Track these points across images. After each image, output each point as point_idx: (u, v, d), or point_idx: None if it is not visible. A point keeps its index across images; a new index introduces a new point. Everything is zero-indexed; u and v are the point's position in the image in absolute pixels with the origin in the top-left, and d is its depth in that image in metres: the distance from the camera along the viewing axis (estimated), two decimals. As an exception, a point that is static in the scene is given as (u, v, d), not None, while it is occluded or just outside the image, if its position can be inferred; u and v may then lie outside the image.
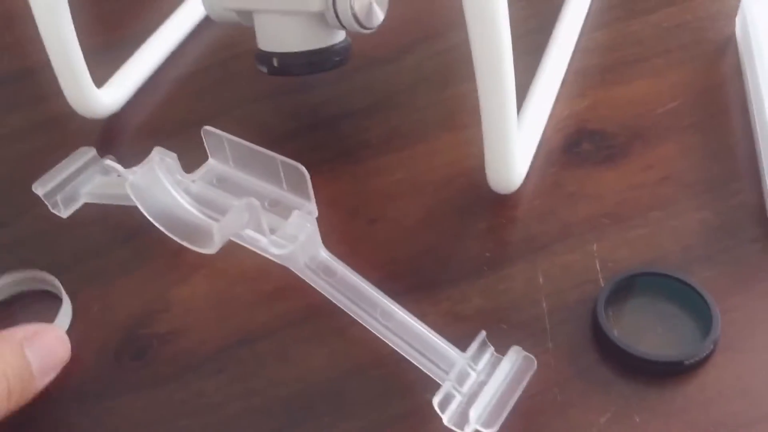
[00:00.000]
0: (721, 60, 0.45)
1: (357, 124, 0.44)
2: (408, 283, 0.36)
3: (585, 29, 0.48)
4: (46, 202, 0.37)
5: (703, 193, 0.38)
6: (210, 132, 0.35)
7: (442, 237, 0.38)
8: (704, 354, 0.31)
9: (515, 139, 0.36)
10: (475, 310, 0.35)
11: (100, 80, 0.45)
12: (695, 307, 0.33)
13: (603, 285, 0.34)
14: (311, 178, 0.42)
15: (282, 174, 0.33)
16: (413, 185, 0.40)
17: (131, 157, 0.43)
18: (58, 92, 0.43)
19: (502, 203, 0.39)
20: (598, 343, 0.33)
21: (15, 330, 0.32)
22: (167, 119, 0.46)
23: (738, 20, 0.45)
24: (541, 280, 0.35)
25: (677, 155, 0.40)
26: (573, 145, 0.41)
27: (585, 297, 0.34)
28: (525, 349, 0.33)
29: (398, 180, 0.41)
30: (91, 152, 0.38)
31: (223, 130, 0.45)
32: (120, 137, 0.46)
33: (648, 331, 0.33)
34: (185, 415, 0.32)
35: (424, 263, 0.37)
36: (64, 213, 0.38)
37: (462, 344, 0.33)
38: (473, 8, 0.32)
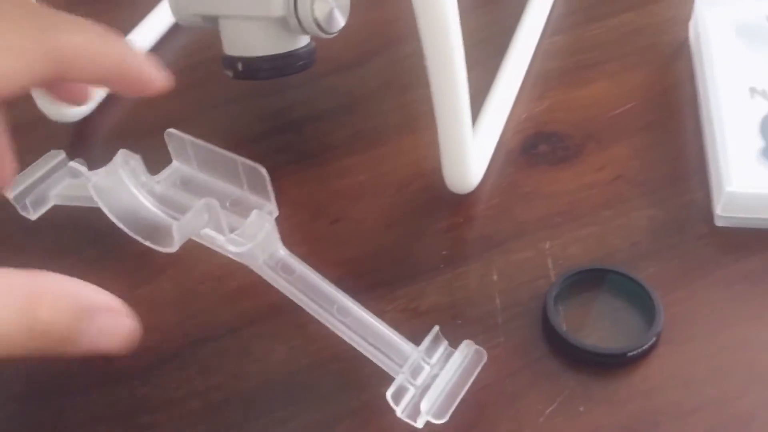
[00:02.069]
0: (674, 63, 0.46)
1: (322, 126, 0.45)
2: (368, 281, 0.37)
3: (545, 33, 0.49)
4: (15, 205, 0.38)
5: (653, 192, 0.39)
6: (173, 135, 0.35)
7: (401, 236, 0.39)
8: (646, 346, 0.32)
9: (470, 142, 0.37)
10: (431, 306, 0.36)
11: (70, 85, 0.46)
12: (640, 301, 0.34)
13: (553, 281, 0.35)
14: (277, 180, 0.43)
15: (242, 175, 0.34)
16: (375, 186, 0.42)
17: (102, 160, 0.45)
18: (27, 96, 0.44)
19: (460, 203, 0.40)
20: (548, 337, 0.34)
21: None
22: (138, 122, 0.47)
23: (691, 25, 0.47)
24: (495, 276, 0.37)
25: (629, 156, 0.41)
26: (530, 146, 0.43)
27: (537, 293, 0.35)
28: (477, 343, 0.34)
29: (361, 181, 0.42)
30: (61, 155, 0.39)
31: (193, 133, 0.46)
32: (90, 141, 0.47)
33: (595, 324, 0.34)
34: (148, 411, 0.33)
35: (384, 262, 0.38)
36: (33, 215, 0.38)
37: (418, 339, 0.35)
38: (425, 16, 0.33)
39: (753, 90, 0.40)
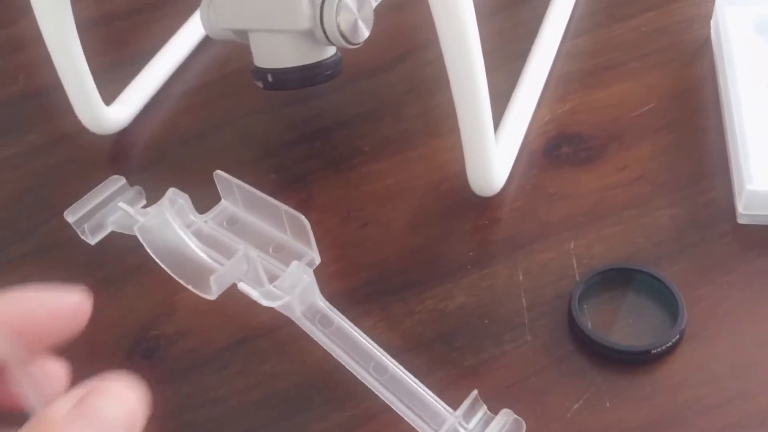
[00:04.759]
0: (696, 62, 0.47)
1: (350, 133, 0.47)
2: (397, 283, 0.38)
3: (567, 36, 0.50)
4: (75, 229, 0.38)
5: (675, 191, 0.40)
6: (221, 176, 0.36)
7: (429, 238, 0.40)
8: (670, 343, 0.33)
9: (492, 147, 0.38)
10: (459, 306, 0.37)
11: (109, 97, 0.48)
12: (664, 299, 0.35)
13: (578, 280, 0.36)
14: (308, 186, 0.44)
15: (286, 222, 0.34)
16: (403, 190, 0.43)
17: (140, 170, 0.47)
18: (70, 110, 0.46)
19: (485, 205, 0.41)
20: (573, 335, 0.35)
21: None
22: (173, 132, 0.49)
23: (713, 23, 0.47)
24: (521, 277, 0.38)
25: (651, 156, 0.42)
26: (553, 148, 0.44)
27: (562, 292, 0.36)
28: (505, 341, 0.35)
29: (389, 185, 0.43)
30: (121, 182, 0.39)
31: (225, 142, 0.48)
32: (129, 151, 0.49)
33: (620, 322, 0.35)
34: (191, 409, 0.35)
35: (412, 263, 0.39)
36: (92, 240, 0.38)
37: (449, 336, 0.36)
38: (444, 25, 0.34)
39: (774, 88, 0.41)
